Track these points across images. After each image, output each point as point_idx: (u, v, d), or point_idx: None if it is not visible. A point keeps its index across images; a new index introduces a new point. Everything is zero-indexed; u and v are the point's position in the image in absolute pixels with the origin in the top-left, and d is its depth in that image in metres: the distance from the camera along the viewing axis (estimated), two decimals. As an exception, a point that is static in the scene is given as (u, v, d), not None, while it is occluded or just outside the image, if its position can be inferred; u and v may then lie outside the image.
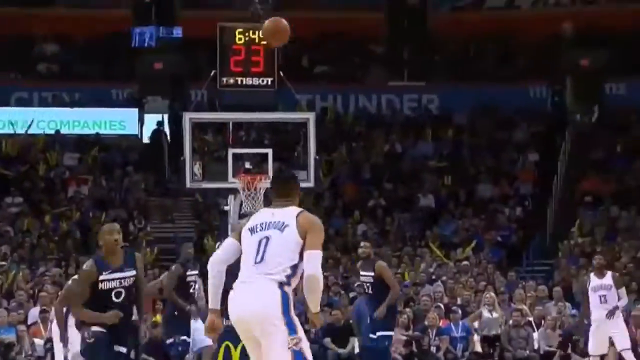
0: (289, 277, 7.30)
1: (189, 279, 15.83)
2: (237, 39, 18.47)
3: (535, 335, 19.48)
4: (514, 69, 32.38)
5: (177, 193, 26.92)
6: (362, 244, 16.46)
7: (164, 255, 24.64)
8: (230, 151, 18.30)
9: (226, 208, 18.78)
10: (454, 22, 33.21)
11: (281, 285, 7.26)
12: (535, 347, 19.38)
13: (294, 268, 7.28)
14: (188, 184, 18.58)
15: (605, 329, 15.81)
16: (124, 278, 10.45)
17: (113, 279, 10.40)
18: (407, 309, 20.02)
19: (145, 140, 31.31)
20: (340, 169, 29.34)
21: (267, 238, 7.32)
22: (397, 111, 32.22)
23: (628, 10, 32.22)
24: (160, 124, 30.85)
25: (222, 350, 17.96)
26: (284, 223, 7.35)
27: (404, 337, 19.37)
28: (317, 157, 18.24)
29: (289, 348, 7.18)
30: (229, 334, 18.19)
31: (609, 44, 31.12)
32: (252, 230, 7.41)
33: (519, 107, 31.15)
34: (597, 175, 28.54)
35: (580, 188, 28.22)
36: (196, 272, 15.98)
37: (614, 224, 26.16)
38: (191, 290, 15.84)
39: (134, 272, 10.54)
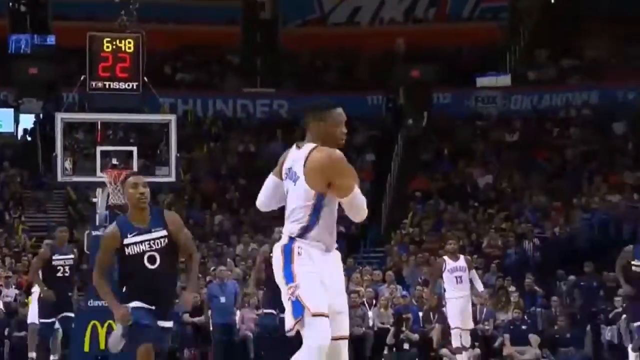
0: (303, 229, 6.20)
1: (55, 262, 14.63)
2: (105, 47, 18.32)
3: (370, 314, 19.78)
4: (354, 79, 32.77)
5: (49, 186, 26.47)
6: (277, 229, 16.31)
7: (38, 242, 24.21)
8: (99, 149, 18.14)
9: (95, 200, 18.61)
10: (301, 36, 33.46)
11: (292, 239, 6.21)
12: (370, 324, 19.68)
13: (310, 219, 6.20)
14: (59, 178, 18.34)
15: (461, 307, 15.92)
16: (154, 240, 8.06)
17: (141, 242, 8.05)
18: (260, 291, 20.09)
19: (21, 138, 30.73)
20: (200, 166, 29.25)
21: (287, 190, 6.32)
22: (251, 115, 32.28)
23: (453, 29, 32.97)
24: (34, 123, 30.31)
25: (89, 328, 17.80)
26: (295, 173, 6.19)
27: (255, 316, 19.46)
28: (178, 155, 18.18)
29: (288, 299, 6.10)
30: (96, 314, 18.01)
31: (436, 58, 31.78)
32: (284, 175, 6.38)
33: (358, 113, 31.46)
34: (426, 174, 29.09)
35: (411, 185, 28.71)
36: (70, 256, 14.89)
37: (439, 216, 26.68)
38: (59, 275, 14.61)
39: (164, 232, 8.11)
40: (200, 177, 28.89)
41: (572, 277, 21.81)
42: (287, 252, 6.18)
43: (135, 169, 18.06)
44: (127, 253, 8.02)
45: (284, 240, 6.25)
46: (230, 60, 33.55)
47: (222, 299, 18.37)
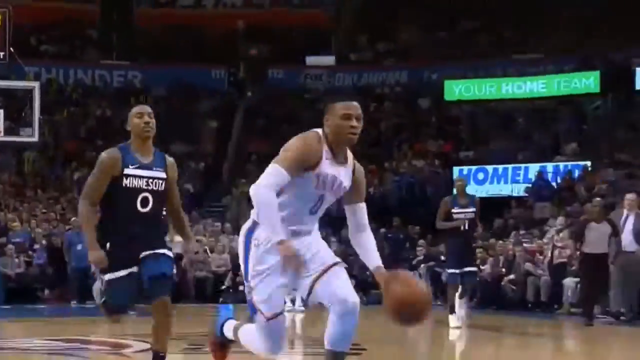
0: (255, 220, 5.31)
1: None
2: (-25, 20, 17.92)
3: (210, 258, 20.01)
4: (201, 55, 32.63)
5: None
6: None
7: None
8: (-32, 111, 17.76)
9: (-36, 157, 18.19)
10: (154, 16, 33.10)
11: (255, 223, 5.29)
12: (213, 268, 19.90)
13: None
14: None
15: None
16: (153, 179, 6.33)
17: (141, 177, 6.28)
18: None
19: None
20: (62, 128, 28.69)
21: None
22: (108, 84, 31.75)
23: (285, 12, 33.20)
24: None
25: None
26: None
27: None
28: (41, 117, 17.95)
29: (247, 293, 5.31)
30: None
31: (271, 39, 31.95)
32: None
33: (204, 85, 31.45)
34: (262, 139, 29.31)
35: (249, 149, 28.90)
36: None
37: (272, 176, 26.88)
38: None
39: (164, 175, 6.42)
40: (63, 138, 28.35)
41: (382, 230, 22.50)
42: (247, 241, 5.30)
43: (1, 129, 17.74)
44: (123, 184, 6.22)
45: (248, 223, 5.36)
46: (90, 34, 32.94)
47: (79, 247, 18.19)
